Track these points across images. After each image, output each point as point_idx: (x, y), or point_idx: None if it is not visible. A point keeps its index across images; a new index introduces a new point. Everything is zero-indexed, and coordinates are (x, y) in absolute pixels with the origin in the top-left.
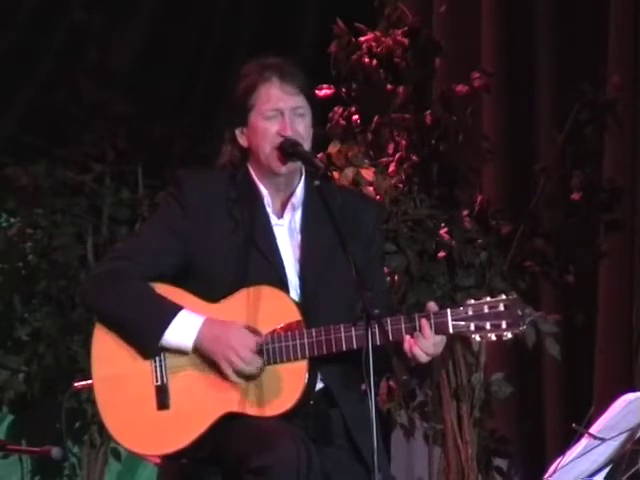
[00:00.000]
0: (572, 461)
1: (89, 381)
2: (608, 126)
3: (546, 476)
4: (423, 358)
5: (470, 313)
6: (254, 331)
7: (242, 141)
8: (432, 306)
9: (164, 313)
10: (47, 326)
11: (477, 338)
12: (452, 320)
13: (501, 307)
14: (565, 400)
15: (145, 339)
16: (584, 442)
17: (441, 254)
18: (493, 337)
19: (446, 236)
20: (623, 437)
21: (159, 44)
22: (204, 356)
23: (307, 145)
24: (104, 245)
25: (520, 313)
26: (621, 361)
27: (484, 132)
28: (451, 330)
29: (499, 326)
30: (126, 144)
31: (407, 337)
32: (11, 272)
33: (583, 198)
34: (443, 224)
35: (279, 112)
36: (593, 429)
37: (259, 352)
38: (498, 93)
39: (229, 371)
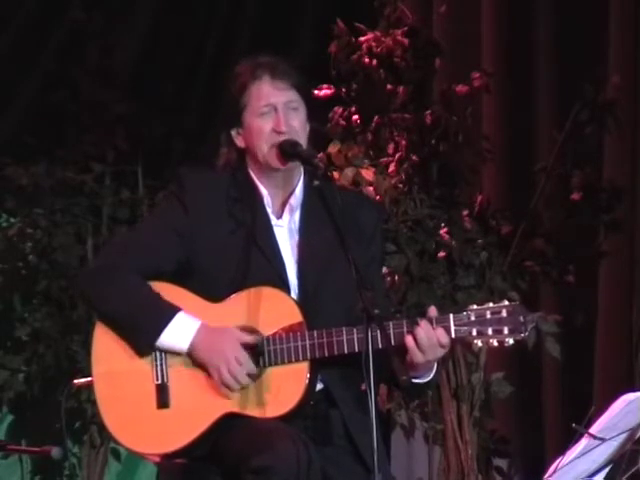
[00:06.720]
0: (572, 461)
1: (89, 378)
2: (608, 126)
3: (546, 476)
4: (419, 358)
5: (472, 318)
6: (253, 332)
7: (239, 142)
8: (433, 310)
9: (161, 314)
10: (47, 326)
11: (479, 344)
12: (454, 325)
13: (504, 313)
14: (565, 400)
15: (141, 338)
16: (584, 442)
17: (441, 254)
18: (495, 343)
19: (446, 236)
20: (623, 437)
21: (159, 44)
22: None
23: (303, 140)
24: (104, 245)
25: (522, 319)
26: (621, 361)
27: (484, 132)
28: (453, 335)
29: (501, 332)
30: (126, 144)
31: (408, 337)
32: (11, 272)
33: (583, 198)
34: (443, 224)
35: (272, 107)
36: (593, 429)
37: (257, 356)
38: (498, 93)
39: (216, 379)
